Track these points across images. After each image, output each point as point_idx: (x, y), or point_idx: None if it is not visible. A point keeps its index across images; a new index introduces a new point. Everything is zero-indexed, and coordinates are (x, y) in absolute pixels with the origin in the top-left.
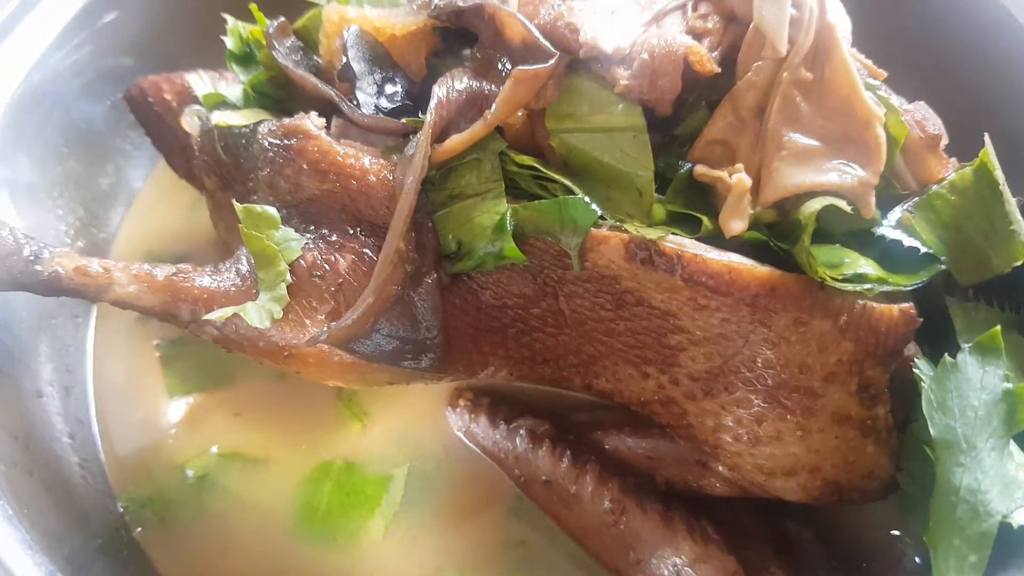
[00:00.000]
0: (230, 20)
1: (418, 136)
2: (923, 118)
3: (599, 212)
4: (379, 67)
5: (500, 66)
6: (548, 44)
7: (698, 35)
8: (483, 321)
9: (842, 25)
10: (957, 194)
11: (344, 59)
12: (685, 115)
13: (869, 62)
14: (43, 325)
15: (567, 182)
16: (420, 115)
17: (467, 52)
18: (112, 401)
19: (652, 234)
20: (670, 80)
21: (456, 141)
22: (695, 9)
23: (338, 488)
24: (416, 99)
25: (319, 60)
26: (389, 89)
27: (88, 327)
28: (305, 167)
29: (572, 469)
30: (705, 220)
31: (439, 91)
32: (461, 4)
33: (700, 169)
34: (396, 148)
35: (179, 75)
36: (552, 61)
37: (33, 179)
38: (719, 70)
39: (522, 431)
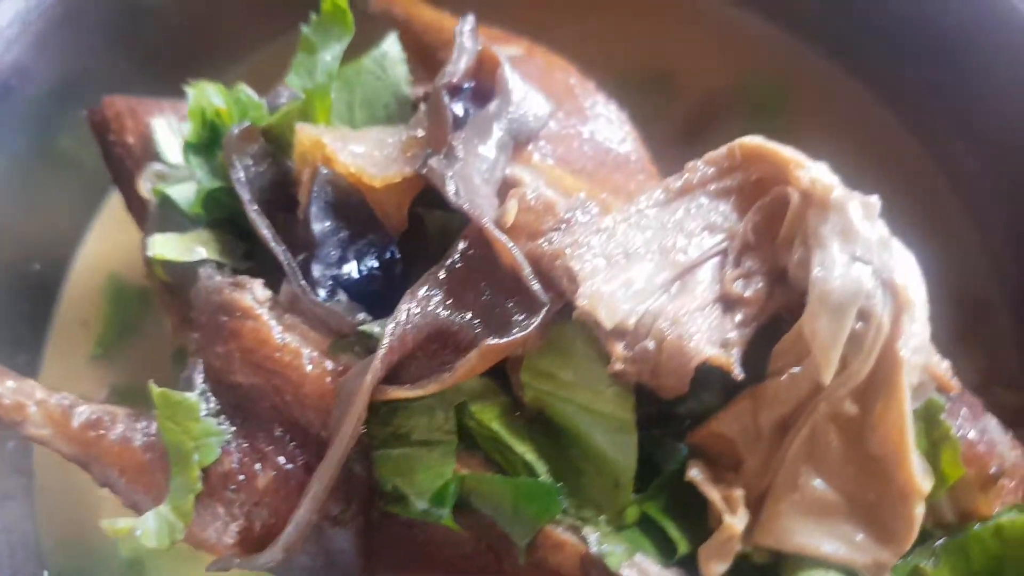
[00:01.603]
0: (191, 95)
1: (359, 384)
2: (986, 451)
3: (563, 505)
4: (348, 223)
5: (479, 290)
6: (538, 290)
7: (733, 301)
8: (414, 556)
9: (912, 358)
10: (1003, 542)
11: (305, 215)
12: (692, 391)
13: (944, 368)
14: None
15: (531, 459)
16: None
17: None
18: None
19: (614, 557)
20: (676, 381)
21: (402, 392)
22: (737, 264)
23: None
24: (389, 267)
25: (291, 165)
26: (353, 257)
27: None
28: (238, 354)
29: None
30: (681, 545)
31: (392, 329)
32: (452, 197)
33: (695, 477)
34: (349, 344)
35: (147, 108)
36: (534, 324)
37: None
38: (743, 376)
39: None
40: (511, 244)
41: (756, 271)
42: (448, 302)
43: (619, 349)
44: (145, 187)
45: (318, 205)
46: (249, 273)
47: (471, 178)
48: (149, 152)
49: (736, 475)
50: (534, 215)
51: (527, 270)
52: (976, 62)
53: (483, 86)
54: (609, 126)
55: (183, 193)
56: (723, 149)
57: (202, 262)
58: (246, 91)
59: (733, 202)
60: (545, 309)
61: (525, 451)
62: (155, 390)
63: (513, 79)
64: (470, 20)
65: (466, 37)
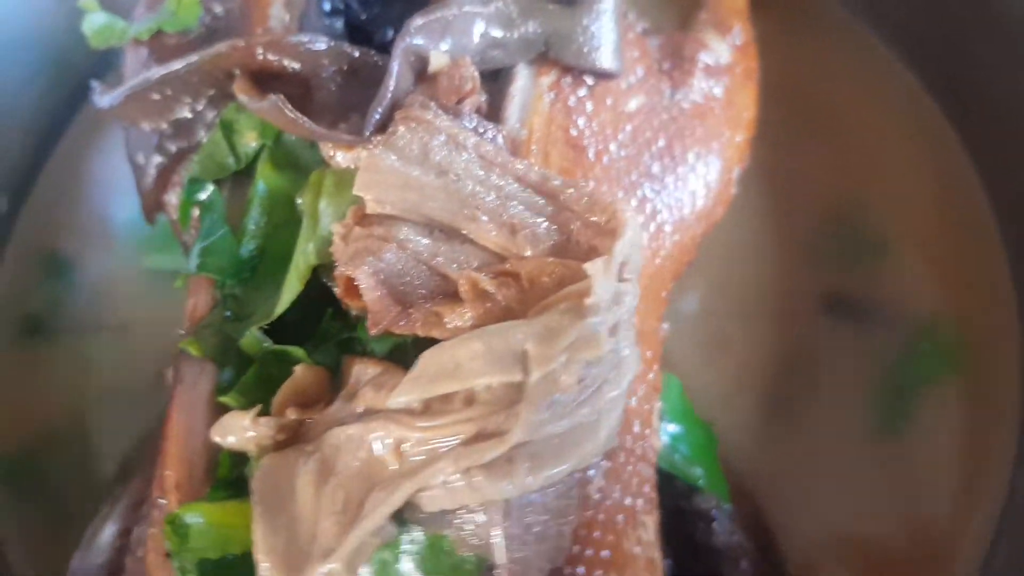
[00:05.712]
0: None
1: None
2: None
3: None
4: None
5: (359, 83)
6: (373, 122)
7: (447, 288)
8: None
9: None
10: None
11: None
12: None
13: None
14: None
15: None
16: None
17: None
18: None
19: None
20: (339, 288)
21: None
22: (490, 273)
23: None
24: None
25: None
26: (378, 13)
27: None
28: None
29: None
30: None
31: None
32: (430, 15)
33: None
34: None
35: None
36: (330, 137)
37: None
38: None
39: None
40: (395, 71)
41: (492, 301)
42: (338, 74)
43: (348, 223)
44: None
45: None
46: None
47: (472, 23)
48: None
49: None
50: (449, 83)
51: (385, 100)
52: None
53: None
54: (683, 180)
55: None
56: (607, 200)
57: None
58: None
59: (557, 241)
60: (354, 139)
61: None
62: None
63: (605, 20)
64: None
65: None
